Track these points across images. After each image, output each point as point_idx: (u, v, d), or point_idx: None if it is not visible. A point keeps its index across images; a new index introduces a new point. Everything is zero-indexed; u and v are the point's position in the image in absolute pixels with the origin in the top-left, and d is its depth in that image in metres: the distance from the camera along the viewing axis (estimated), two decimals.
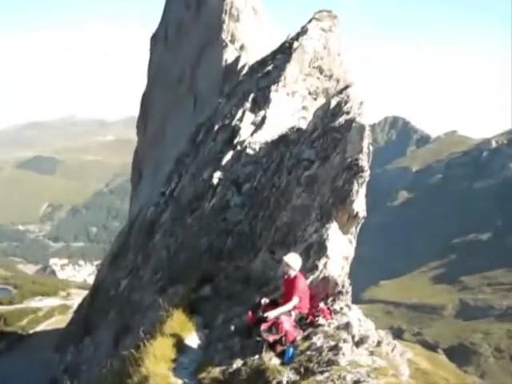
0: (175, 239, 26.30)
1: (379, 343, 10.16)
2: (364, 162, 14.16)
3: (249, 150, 25.83)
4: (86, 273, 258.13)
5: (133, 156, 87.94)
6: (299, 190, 17.03)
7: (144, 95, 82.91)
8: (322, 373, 8.53)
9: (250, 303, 12.31)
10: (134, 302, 27.17)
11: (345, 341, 9.57)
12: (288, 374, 8.98)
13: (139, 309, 24.36)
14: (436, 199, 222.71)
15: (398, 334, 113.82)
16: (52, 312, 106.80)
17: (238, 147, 26.91)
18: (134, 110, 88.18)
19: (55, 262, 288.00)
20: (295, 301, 10.76)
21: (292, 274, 11.08)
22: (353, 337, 9.94)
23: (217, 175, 25.50)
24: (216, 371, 10.36)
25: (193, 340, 13.09)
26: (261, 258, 16.63)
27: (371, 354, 9.58)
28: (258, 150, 25.73)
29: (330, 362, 8.84)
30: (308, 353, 9.55)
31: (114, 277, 39.63)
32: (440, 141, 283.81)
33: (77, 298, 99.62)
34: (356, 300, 12.22)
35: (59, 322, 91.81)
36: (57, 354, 53.87)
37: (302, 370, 8.98)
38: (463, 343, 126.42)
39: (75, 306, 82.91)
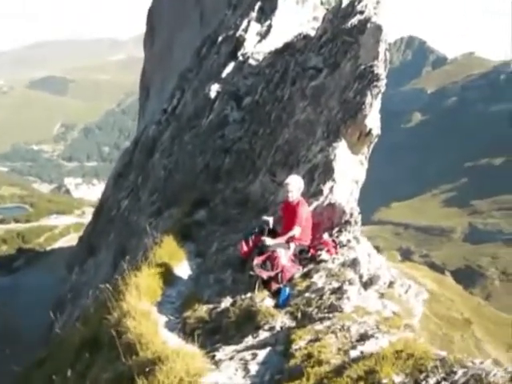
0: (172, 159, 24.78)
1: (391, 284, 8.73)
2: (380, 69, 12.13)
3: (251, 61, 23.61)
4: (99, 192, 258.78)
5: (140, 74, 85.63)
6: (303, 104, 15.06)
7: (150, 9, 79.35)
8: (321, 320, 7.11)
9: (247, 230, 10.80)
10: (132, 224, 26.02)
11: (350, 282, 8.05)
12: (282, 319, 7.62)
13: (135, 232, 23.23)
14: (450, 122, 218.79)
15: (406, 255, 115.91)
16: (68, 229, 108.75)
17: (241, 58, 24.76)
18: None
19: (69, 182, 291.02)
20: (296, 230, 9.34)
21: (294, 199, 9.53)
22: (360, 276, 8.50)
23: (215, 88, 23.41)
24: (203, 310, 9.15)
25: (183, 270, 11.88)
26: (260, 179, 15.03)
27: (381, 296, 8.16)
28: (261, 60, 23.55)
29: (333, 308, 7.42)
30: (307, 295, 8.20)
31: (116, 197, 38.44)
32: (457, 62, 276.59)
33: (91, 216, 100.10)
34: (365, 221, 10.71)
35: (74, 239, 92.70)
36: (67, 273, 53.79)
37: (299, 315, 7.61)
38: (470, 266, 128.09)
39: None
